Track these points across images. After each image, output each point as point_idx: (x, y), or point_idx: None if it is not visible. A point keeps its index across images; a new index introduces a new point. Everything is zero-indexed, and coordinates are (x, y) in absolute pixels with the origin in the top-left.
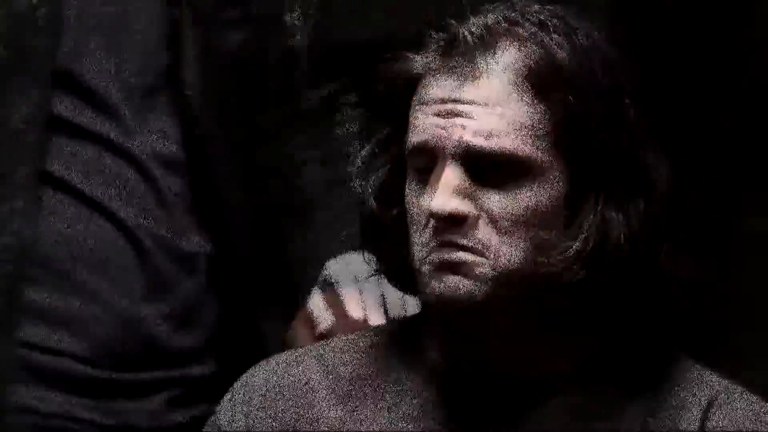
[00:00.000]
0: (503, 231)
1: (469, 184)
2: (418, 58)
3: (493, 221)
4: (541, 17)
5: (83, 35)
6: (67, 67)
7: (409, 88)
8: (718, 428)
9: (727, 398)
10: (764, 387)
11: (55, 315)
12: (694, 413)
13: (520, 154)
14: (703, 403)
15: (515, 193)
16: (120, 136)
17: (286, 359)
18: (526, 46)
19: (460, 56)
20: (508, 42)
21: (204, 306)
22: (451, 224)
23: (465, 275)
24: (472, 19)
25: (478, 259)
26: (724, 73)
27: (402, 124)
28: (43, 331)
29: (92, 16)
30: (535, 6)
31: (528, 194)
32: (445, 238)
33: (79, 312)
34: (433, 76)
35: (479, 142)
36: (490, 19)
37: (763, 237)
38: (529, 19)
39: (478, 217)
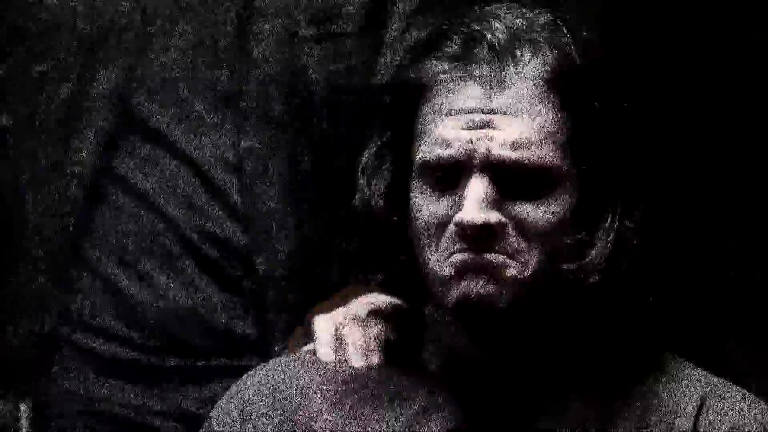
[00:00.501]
0: (530, 238)
1: (497, 194)
2: (431, 63)
3: (520, 229)
4: (553, 25)
5: (168, 32)
6: (147, 61)
7: (418, 93)
8: (712, 424)
9: (720, 395)
10: (764, 386)
11: (109, 301)
12: (688, 410)
13: (547, 163)
14: (696, 399)
15: (542, 202)
16: (187, 139)
17: (283, 363)
18: (547, 53)
19: (485, 63)
20: (532, 48)
21: (265, 299)
22: (482, 235)
23: (492, 277)
24: (496, 24)
25: (508, 260)
26: (723, 72)
27: (407, 129)
28: (95, 316)
29: (180, 17)
30: (539, 11)
31: (554, 202)
32: (472, 245)
33: (133, 299)
34: (454, 83)
35: (507, 153)
36: (512, 24)
37: (763, 236)
38: (543, 26)
39: (506, 225)
